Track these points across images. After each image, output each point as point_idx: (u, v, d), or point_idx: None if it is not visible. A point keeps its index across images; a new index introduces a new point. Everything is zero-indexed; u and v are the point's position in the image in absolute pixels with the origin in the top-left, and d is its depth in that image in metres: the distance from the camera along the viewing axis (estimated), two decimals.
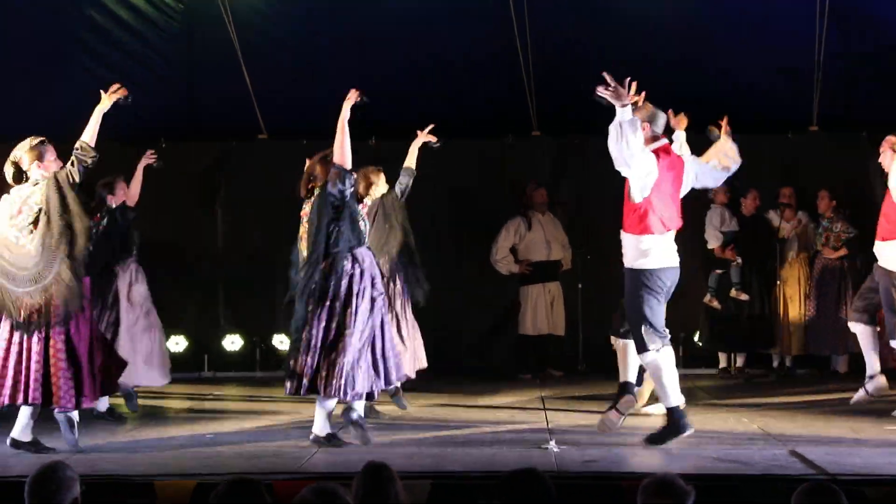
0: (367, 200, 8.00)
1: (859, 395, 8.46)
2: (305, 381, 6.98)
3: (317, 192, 7.17)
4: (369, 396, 7.22)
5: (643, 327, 6.95)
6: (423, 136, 8.79)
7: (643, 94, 7.09)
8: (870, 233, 8.58)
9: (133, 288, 8.67)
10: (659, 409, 7.81)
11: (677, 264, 7.11)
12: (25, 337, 6.87)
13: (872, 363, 8.44)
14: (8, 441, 6.96)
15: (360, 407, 7.18)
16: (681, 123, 7.63)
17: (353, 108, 7.21)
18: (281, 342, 11.32)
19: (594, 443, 7.08)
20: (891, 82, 10.52)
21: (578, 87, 10.68)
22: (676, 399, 7.04)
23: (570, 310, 11.34)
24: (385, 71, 10.75)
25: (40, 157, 7.08)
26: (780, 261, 10.91)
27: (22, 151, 7.10)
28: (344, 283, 7.03)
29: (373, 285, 7.14)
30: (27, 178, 7.10)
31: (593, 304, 11.02)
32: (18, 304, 6.88)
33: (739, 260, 10.74)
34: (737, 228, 10.82)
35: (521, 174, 11.47)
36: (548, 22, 10.45)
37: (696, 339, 11.26)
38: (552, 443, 6.92)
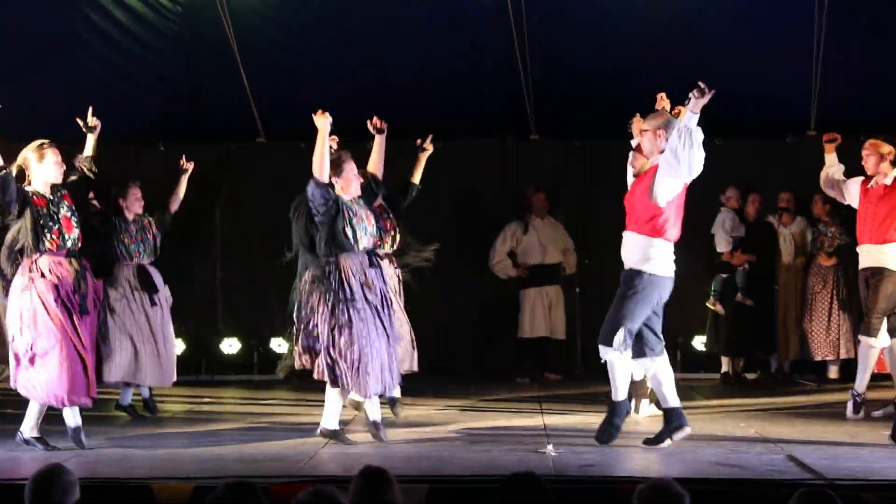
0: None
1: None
2: (326, 370, 7.11)
3: None
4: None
5: (621, 328, 6.95)
6: (427, 146, 8.81)
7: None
8: None
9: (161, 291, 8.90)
10: (652, 411, 7.88)
11: (672, 276, 7.12)
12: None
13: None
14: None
15: (373, 407, 7.34)
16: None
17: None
18: (279, 346, 11.30)
19: (591, 446, 7.08)
20: (888, 87, 10.54)
21: (577, 90, 10.84)
22: (674, 400, 7.08)
23: (568, 314, 11.34)
24: (383, 74, 10.77)
25: (41, 160, 7.12)
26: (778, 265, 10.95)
27: (26, 154, 7.15)
28: (336, 287, 7.09)
29: (365, 288, 7.17)
30: (30, 182, 7.14)
31: (591, 308, 11.00)
32: None
33: (747, 265, 10.75)
34: (744, 234, 10.83)
35: (520, 178, 11.47)
36: (546, 26, 10.45)
37: (695, 342, 11.26)
38: (550, 446, 6.93)
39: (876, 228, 8.24)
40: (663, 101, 7.45)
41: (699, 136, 6.77)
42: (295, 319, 7.32)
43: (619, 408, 7.18)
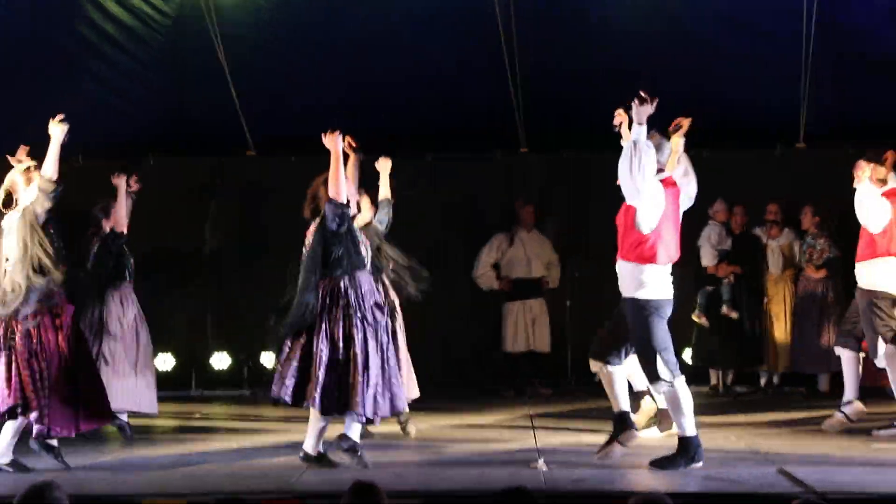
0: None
1: (835, 418, 8.29)
2: (317, 396, 6.88)
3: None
4: (370, 422, 7.13)
5: (657, 358, 6.83)
6: (383, 164, 8.59)
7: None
8: (853, 251, 8.58)
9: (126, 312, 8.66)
10: (652, 434, 7.74)
11: (672, 297, 7.06)
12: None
13: (852, 389, 8.29)
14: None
15: (356, 432, 7.08)
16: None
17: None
18: (269, 360, 11.28)
19: (583, 462, 7.07)
20: (877, 99, 10.57)
21: (567, 104, 10.85)
22: (691, 429, 6.90)
23: (558, 327, 11.35)
24: (372, 88, 10.77)
25: (28, 184, 7.11)
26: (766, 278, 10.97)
27: (13, 177, 7.13)
28: (342, 303, 7.03)
29: (376, 308, 7.15)
30: (16, 204, 7.12)
31: (581, 321, 11.01)
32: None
33: (732, 277, 10.76)
34: (730, 247, 10.85)
35: (509, 191, 11.48)
36: (536, 39, 10.47)
37: (684, 356, 11.26)
38: (541, 461, 6.91)
39: None
40: (622, 117, 7.22)
41: (646, 149, 6.65)
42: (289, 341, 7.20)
43: (625, 419, 7.12)
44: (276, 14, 10.54)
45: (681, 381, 6.94)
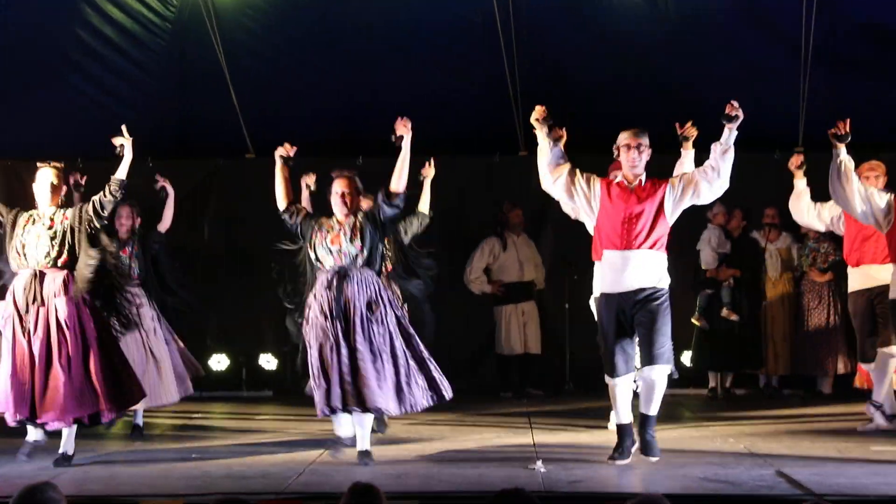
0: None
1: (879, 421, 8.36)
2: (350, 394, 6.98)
3: (360, 214, 7.26)
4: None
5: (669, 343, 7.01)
6: (428, 172, 8.60)
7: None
8: None
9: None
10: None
11: None
12: None
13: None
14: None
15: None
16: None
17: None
18: (267, 362, 11.31)
19: (581, 463, 7.08)
20: (877, 103, 10.58)
21: (567, 105, 10.85)
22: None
23: (556, 329, 11.37)
24: (372, 90, 10.79)
25: (34, 182, 7.33)
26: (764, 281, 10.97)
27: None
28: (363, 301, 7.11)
29: (390, 306, 7.22)
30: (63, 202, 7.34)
31: (579, 323, 11.01)
32: None
33: (731, 280, 10.77)
34: (729, 250, 10.85)
35: (508, 194, 11.48)
36: (536, 41, 10.49)
37: (683, 358, 11.26)
38: (539, 462, 6.92)
39: None
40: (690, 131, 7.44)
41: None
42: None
43: (629, 429, 7.12)
44: (276, 18, 10.57)
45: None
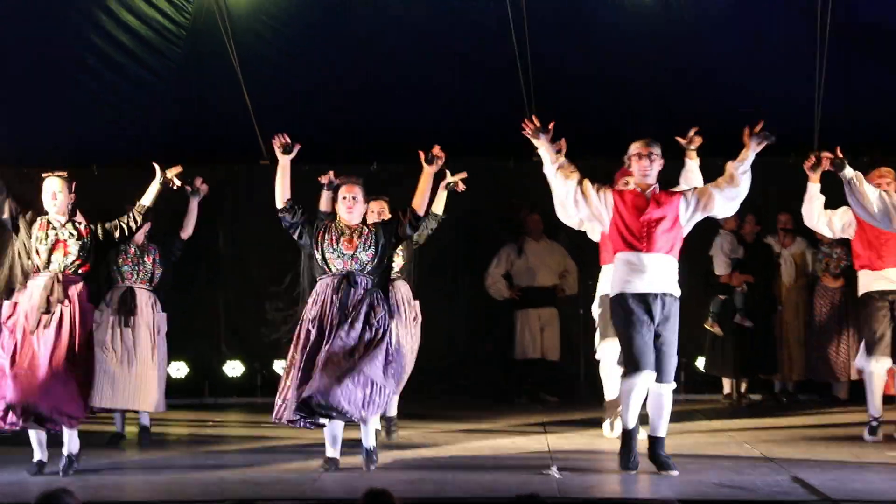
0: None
1: None
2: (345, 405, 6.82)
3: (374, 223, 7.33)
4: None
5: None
6: (454, 178, 8.63)
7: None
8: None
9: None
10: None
11: None
12: None
13: None
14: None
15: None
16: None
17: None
18: (282, 368, 11.28)
19: (596, 468, 7.08)
20: (892, 107, 10.54)
21: (580, 110, 10.86)
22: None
23: (571, 335, 11.34)
24: (385, 96, 10.79)
25: (40, 191, 7.38)
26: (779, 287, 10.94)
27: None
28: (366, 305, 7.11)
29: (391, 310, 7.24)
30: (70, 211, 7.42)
31: (594, 329, 10.99)
32: None
33: (745, 286, 10.74)
34: (742, 255, 10.82)
35: (522, 199, 11.47)
36: (549, 46, 10.49)
37: (697, 364, 11.25)
38: (554, 468, 6.91)
39: None
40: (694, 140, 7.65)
41: None
42: None
43: (635, 434, 7.08)
44: (290, 24, 10.58)
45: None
